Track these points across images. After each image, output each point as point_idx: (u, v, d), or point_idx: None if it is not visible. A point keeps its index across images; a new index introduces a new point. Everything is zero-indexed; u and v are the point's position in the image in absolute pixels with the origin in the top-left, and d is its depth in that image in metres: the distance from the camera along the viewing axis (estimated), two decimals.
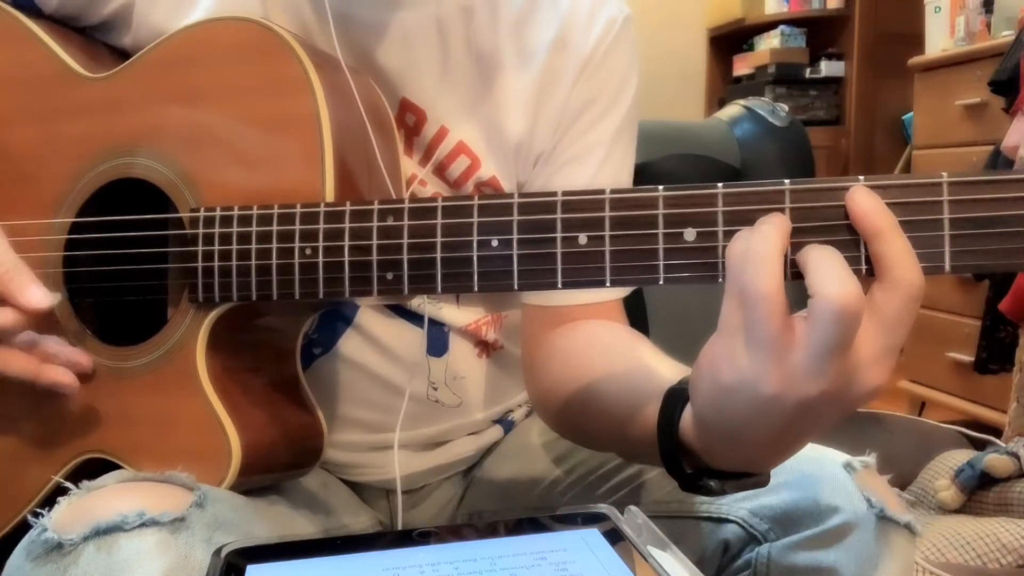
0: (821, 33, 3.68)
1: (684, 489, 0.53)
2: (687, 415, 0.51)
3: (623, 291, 0.74)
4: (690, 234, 0.48)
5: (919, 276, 0.44)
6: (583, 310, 0.72)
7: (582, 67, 0.73)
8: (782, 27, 3.70)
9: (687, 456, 0.52)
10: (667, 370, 0.57)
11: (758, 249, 0.44)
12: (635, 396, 0.57)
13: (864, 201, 0.45)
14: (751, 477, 0.51)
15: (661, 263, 0.49)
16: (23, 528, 0.53)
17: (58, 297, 0.59)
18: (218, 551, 0.47)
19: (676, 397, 0.52)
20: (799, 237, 0.47)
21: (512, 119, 0.72)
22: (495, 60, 0.72)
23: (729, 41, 3.97)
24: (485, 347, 0.79)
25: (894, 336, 0.44)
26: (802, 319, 0.43)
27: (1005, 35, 2.27)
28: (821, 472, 0.61)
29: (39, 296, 0.57)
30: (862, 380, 0.44)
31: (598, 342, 0.69)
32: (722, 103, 2.36)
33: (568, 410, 0.67)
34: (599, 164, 0.74)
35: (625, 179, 0.77)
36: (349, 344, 0.73)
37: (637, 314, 0.78)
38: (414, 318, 0.73)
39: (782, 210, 0.47)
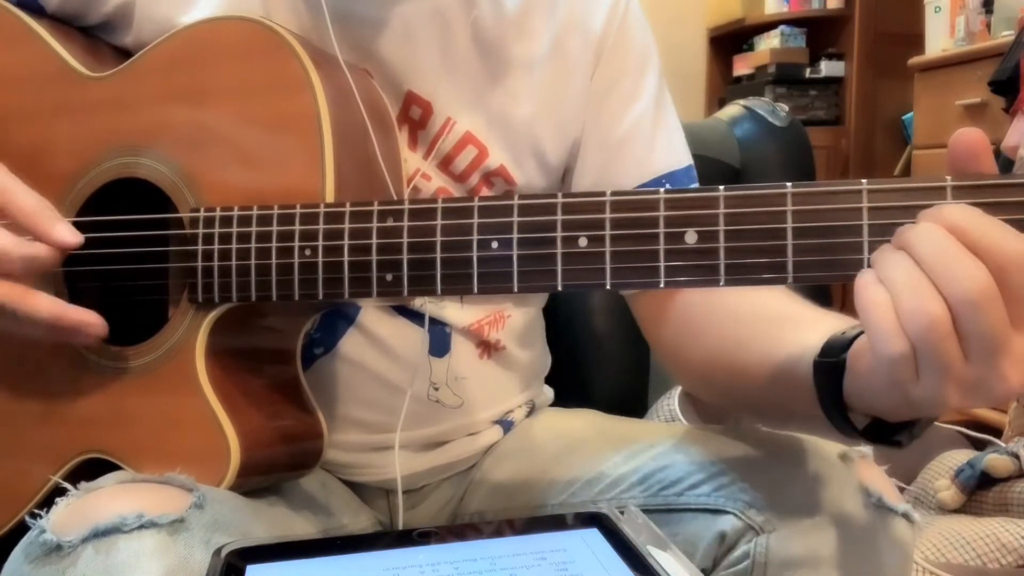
0: (821, 33, 3.68)
1: (869, 441, 0.53)
2: (849, 387, 0.51)
3: None
4: (691, 236, 0.48)
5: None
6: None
7: (598, 50, 0.74)
8: (782, 27, 3.70)
9: (858, 413, 0.52)
10: (813, 327, 0.57)
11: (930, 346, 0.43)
12: (787, 368, 0.57)
13: None
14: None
15: (662, 265, 0.49)
16: (21, 529, 0.53)
17: (82, 237, 0.59)
18: (218, 551, 0.47)
19: (827, 369, 0.52)
20: (800, 239, 0.47)
21: (521, 106, 0.73)
22: (500, 47, 0.72)
23: (729, 41, 3.97)
24: (487, 347, 0.79)
25: None
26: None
27: (1005, 35, 2.27)
28: (818, 462, 0.61)
29: (67, 232, 0.58)
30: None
31: (730, 310, 0.67)
32: (722, 103, 2.36)
33: (722, 389, 0.70)
34: (651, 134, 0.75)
35: (679, 142, 0.77)
36: (350, 344, 0.73)
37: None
38: (416, 317, 0.73)
39: (784, 213, 0.47)
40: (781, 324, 0.61)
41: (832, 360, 0.52)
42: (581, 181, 0.76)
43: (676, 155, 0.77)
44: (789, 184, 0.47)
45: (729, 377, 0.66)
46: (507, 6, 0.72)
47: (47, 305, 0.58)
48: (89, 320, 0.58)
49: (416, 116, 0.71)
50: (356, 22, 0.68)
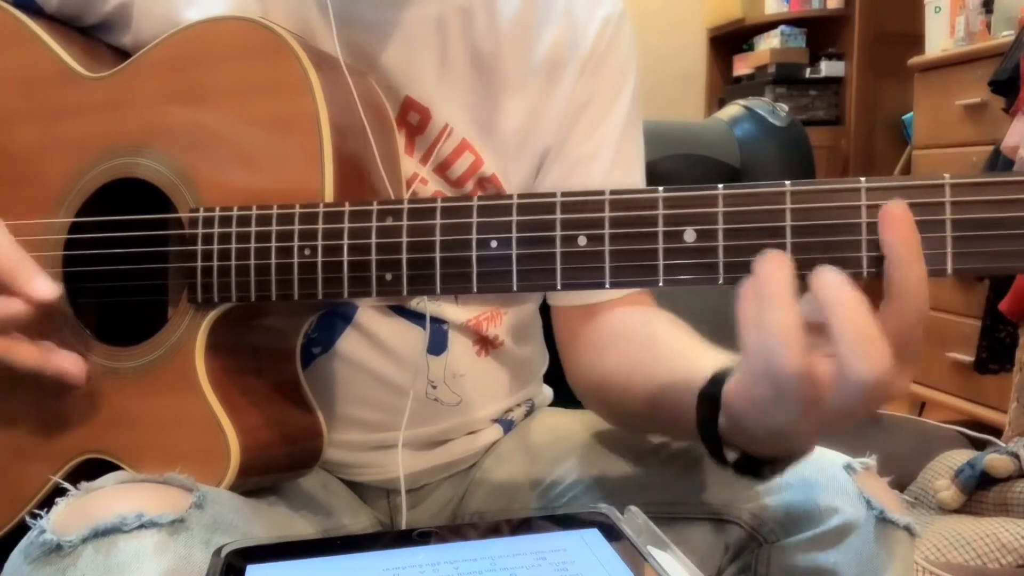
0: (821, 33, 3.68)
1: (738, 473, 0.54)
2: (724, 422, 0.52)
3: None
4: (690, 235, 0.48)
5: (927, 301, 0.45)
6: (612, 303, 0.73)
7: (582, 65, 0.74)
8: (782, 27, 3.70)
9: (732, 448, 0.53)
10: (703, 359, 0.58)
11: (775, 328, 0.44)
12: (674, 395, 0.58)
13: (900, 225, 0.45)
14: (794, 456, 0.53)
15: (661, 264, 0.49)
16: (22, 529, 0.53)
17: (61, 288, 0.59)
18: (218, 551, 0.47)
19: (711, 400, 0.53)
20: (799, 238, 0.47)
21: (512, 119, 0.73)
22: (495, 61, 0.72)
23: (729, 41, 3.98)
24: (485, 344, 0.79)
25: (908, 354, 0.45)
26: (830, 369, 0.44)
27: (1005, 35, 2.27)
28: (822, 474, 0.61)
29: (45, 286, 0.58)
30: (885, 395, 0.45)
31: (632, 337, 0.70)
32: (722, 103, 2.36)
33: (613, 407, 0.71)
34: (612, 159, 0.75)
35: (637, 171, 0.78)
36: (348, 343, 0.73)
37: None
38: (413, 316, 0.73)
39: (783, 211, 0.47)
40: (679, 355, 0.62)
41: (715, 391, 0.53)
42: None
43: (632, 183, 0.77)
44: (788, 183, 0.47)
45: (620, 394, 0.67)
46: (503, 18, 0.72)
47: (30, 359, 0.59)
48: (68, 369, 0.60)
49: (414, 122, 0.72)
50: (359, 26, 0.68)
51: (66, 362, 0.60)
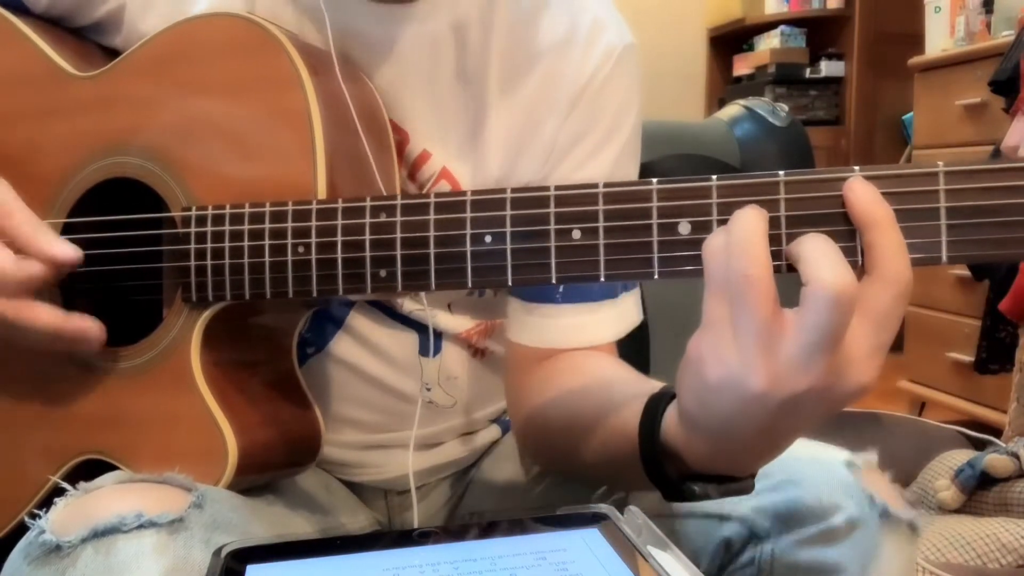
0: (821, 33, 3.68)
1: (667, 498, 0.53)
2: (671, 415, 0.51)
3: (617, 333, 0.72)
4: (684, 227, 0.48)
5: (910, 271, 0.44)
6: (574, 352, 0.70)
7: (576, 98, 0.70)
8: (782, 27, 3.70)
9: (669, 460, 0.52)
10: (652, 384, 0.57)
11: (741, 237, 0.44)
12: (616, 402, 0.57)
13: (861, 191, 0.45)
14: (735, 482, 0.51)
15: (655, 256, 0.49)
16: (21, 530, 0.53)
17: (81, 252, 0.59)
18: (218, 551, 0.47)
19: (659, 399, 0.52)
20: (793, 228, 0.46)
21: (495, 150, 0.71)
22: (483, 87, 0.70)
23: (729, 41, 3.98)
24: (477, 351, 0.78)
25: (883, 333, 0.44)
26: (792, 311, 0.43)
27: (1005, 35, 2.27)
28: (823, 470, 0.61)
29: (67, 249, 0.58)
30: (851, 377, 0.43)
31: (581, 364, 0.68)
32: (722, 103, 2.35)
33: (550, 432, 0.68)
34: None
35: None
36: (341, 345, 0.73)
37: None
38: (406, 321, 0.73)
39: (776, 202, 0.47)
40: (631, 381, 0.62)
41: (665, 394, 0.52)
42: None
43: None
44: (781, 172, 0.47)
45: (564, 423, 0.65)
46: (497, 41, 0.70)
47: (46, 317, 0.59)
48: (89, 328, 0.59)
49: (395, 142, 0.70)
50: (355, 43, 0.67)
51: (85, 322, 0.59)
